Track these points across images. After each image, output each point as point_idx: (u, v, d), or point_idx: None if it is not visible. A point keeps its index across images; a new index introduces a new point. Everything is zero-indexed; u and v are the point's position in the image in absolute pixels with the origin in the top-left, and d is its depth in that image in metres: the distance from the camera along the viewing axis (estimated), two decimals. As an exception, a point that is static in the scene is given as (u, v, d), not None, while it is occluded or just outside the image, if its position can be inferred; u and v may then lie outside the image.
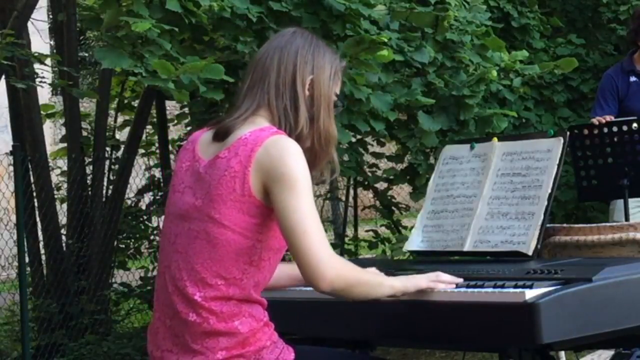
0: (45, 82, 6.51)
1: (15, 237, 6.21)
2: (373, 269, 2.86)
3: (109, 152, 7.16)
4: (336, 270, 2.53)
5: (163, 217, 2.93)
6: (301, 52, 2.70)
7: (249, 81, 2.72)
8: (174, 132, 8.48)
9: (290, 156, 2.55)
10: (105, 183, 6.99)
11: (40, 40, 8.56)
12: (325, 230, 9.09)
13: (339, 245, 8.06)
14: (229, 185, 2.55)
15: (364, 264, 2.90)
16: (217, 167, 2.59)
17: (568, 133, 3.26)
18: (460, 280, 2.75)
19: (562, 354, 4.43)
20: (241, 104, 2.70)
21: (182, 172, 2.70)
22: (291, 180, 2.52)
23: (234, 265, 2.56)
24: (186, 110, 6.84)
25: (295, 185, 2.52)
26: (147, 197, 7.66)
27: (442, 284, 2.73)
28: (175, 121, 7.16)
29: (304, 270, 2.53)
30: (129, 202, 7.48)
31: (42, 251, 6.74)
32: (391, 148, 7.59)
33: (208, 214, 2.57)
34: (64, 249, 6.79)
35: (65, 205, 7.02)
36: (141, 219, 7.44)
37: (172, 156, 7.53)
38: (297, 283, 2.91)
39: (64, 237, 6.84)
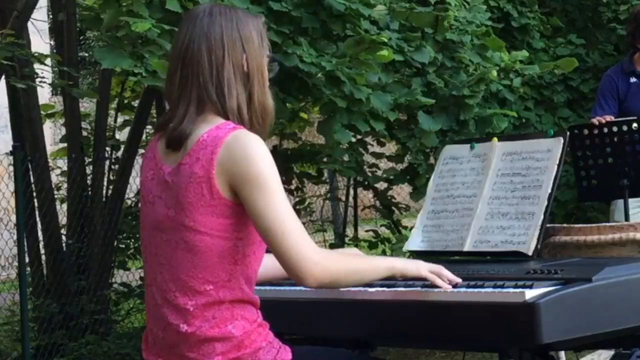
0: (45, 82, 6.51)
1: (15, 237, 6.22)
2: (355, 250, 2.86)
3: (109, 152, 7.16)
4: (320, 266, 2.49)
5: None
6: (226, 32, 2.57)
7: (179, 75, 2.58)
8: (174, 132, 8.46)
9: (255, 154, 2.48)
10: (105, 183, 6.98)
11: (40, 40, 8.56)
12: (325, 230, 9.11)
13: (339, 245, 8.06)
14: (196, 192, 2.49)
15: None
16: (182, 175, 2.52)
17: (568, 133, 3.26)
18: (459, 280, 2.74)
19: (562, 354, 4.43)
20: (178, 102, 2.57)
21: (148, 181, 2.64)
22: (259, 180, 2.46)
23: (220, 268, 2.52)
24: (186, 110, 6.82)
25: (264, 183, 2.46)
26: (147, 197, 7.65)
27: (440, 280, 2.70)
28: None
29: (289, 270, 2.50)
30: (129, 202, 7.47)
31: (42, 251, 6.74)
32: (391, 148, 7.60)
33: (182, 223, 2.52)
34: (64, 249, 6.79)
35: (65, 205, 7.02)
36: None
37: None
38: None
39: (64, 237, 6.84)
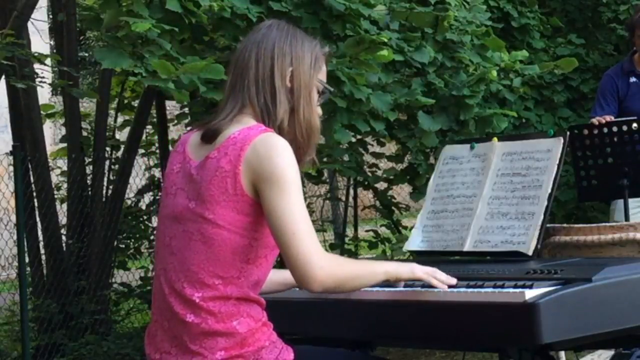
0: (45, 82, 6.50)
1: (15, 237, 6.22)
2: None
3: (109, 152, 7.16)
4: (325, 271, 2.52)
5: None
6: (278, 44, 2.68)
7: (230, 80, 2.72)
8: (174, 132, 8.48)
9: (279, 155, 2.54)
10: (105, 183, 6.99)
11: (40, 40, 8.56)
12: (325, 230, 9.11)
13: (339, 245, 8.06)
14: (220, 186, 2.55)
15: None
16: (208, 168, 2.59)
17: (568, 133, 3.27)
18: (454, 281, 2.74)
19: (562, 354, 4.43)
20: (225, 104, 2.69)
21: (174, 174, 2.70)
22: (280, 180, 2.51)
23: (231, 264, 2.56)
24: (186, 110, 6.85)
25: (285, 184, 2.52)
26: (147, 197, 7.67)
27: (435, 280, 2.71)
28: (175, 121, 7.17)
29: (294, 272, 2.53)
30: (129, 202, 7.48)
31: (42, 251, 6.74)
32: (391, 148, 7.60)
33: (202, 215, 2.57)
34: (64, 249, 6.79)
35: (65, 205, 7.02)
36: (141, 219, 7.45)
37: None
38: (285, 289, 2.92)
39: (64, 237, 6.84)
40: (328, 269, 2.53)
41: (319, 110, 2.76)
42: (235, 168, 2.54)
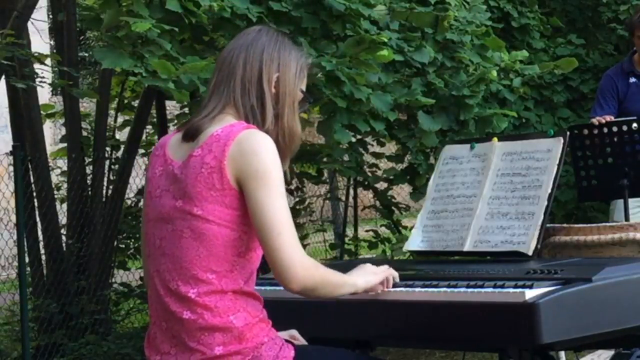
0: (45, 82, 6.50)
1: (15, 237, 6.21)
2: None
3: (109, 152, 7.16)
4: (308, 271, 2.56)
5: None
6: (267, 49, 2.71)
7: (215, 80, 2.73)
8: (174, 132, 8.46)
9: (263, 151, 2.56)
10: (105, 183, 6.98)
11: (40, 40, 8.54)
12: (325, 230, 9.08)
13: (339, 245, 8.05)
14: (207, 182, 2.56)
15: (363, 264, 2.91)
16: (192, 166, 2.60)
17: (568, 133, 3.27)
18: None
19: (562, 354, 4.43)
20: (208, 102, 2.71)
21: (156, 177, 2.71)
22: (264, 176, 2.54)
23: (224, 258, 2.58)
24: (186, 110, 6.84)
25: (268, 181, 2.54)
26: (147, 197, 7.65)
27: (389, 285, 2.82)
28: (175, 121, 7.17)
29: (277, 269, 2.55)
30: (129, 202, 7.47)
31: (42, 251, 6.74)
32: (391, 148, 7.59)
33: (190, 211, 2.58)
34: (64, 249, 6.79)
35: (65, 205, 7.02)
36: (141, 219, 7.43)
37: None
38: None
39: (64, 237, 6.84)
40: (309, 269, 2.57)
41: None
42: (221, 163, 2.56)
